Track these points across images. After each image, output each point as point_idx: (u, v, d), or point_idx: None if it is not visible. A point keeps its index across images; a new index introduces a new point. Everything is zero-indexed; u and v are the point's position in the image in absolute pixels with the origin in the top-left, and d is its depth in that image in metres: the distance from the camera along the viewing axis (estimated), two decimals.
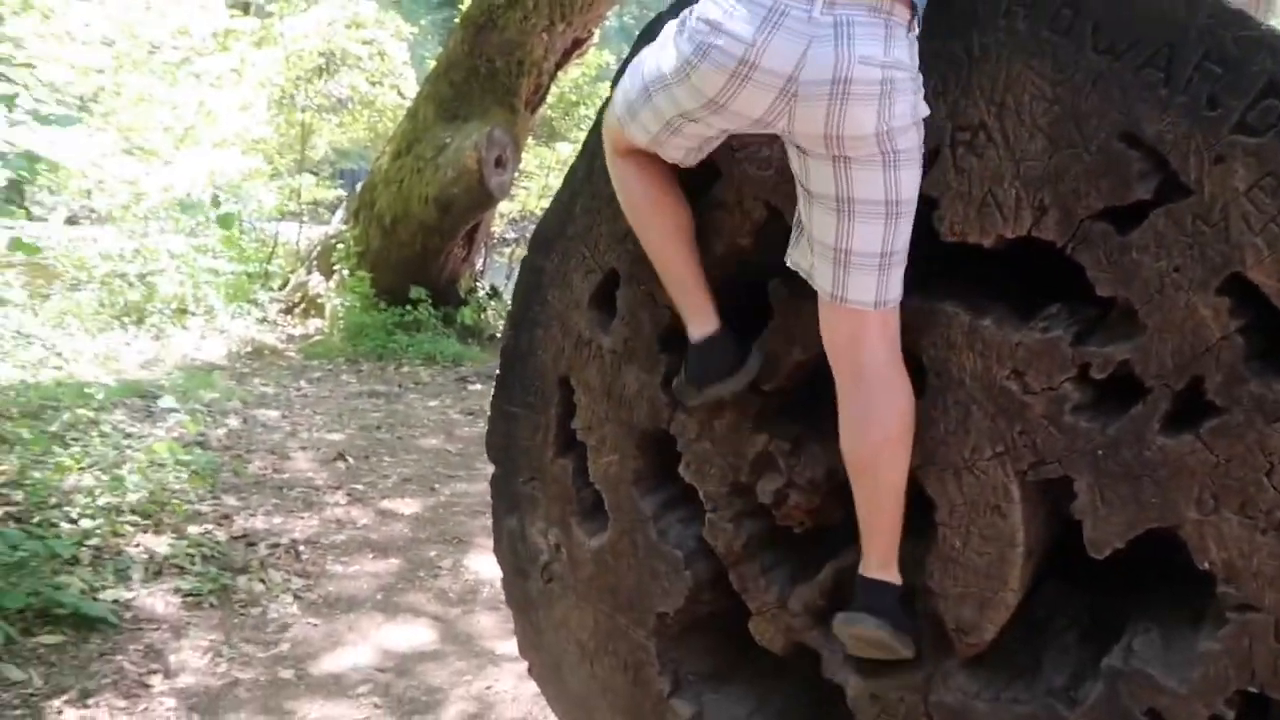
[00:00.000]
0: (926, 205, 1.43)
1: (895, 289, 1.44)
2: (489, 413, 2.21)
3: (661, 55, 1.46)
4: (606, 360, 1.85)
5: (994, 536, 1.43)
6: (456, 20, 8.11)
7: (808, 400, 1.64)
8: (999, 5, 1.34)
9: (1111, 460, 1.32)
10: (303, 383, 5.87)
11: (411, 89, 9.11)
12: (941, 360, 1.45)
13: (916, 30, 1.36)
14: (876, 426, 1.46)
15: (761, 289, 1.64)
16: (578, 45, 7.54)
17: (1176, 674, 1.30)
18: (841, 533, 1.71)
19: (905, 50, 1.33)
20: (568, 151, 9.70)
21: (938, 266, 1.50)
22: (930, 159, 1.42)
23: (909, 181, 1.39)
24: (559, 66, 7.54)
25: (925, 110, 1.37)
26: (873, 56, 1.30)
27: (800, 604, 1.69)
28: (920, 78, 1.36)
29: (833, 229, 1.41)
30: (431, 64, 11.64)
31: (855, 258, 1.41)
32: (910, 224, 1.42)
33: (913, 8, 1.33)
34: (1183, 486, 1.27)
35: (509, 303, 8.22)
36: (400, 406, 5.50)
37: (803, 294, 1.57)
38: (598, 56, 9.16)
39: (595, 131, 1.83)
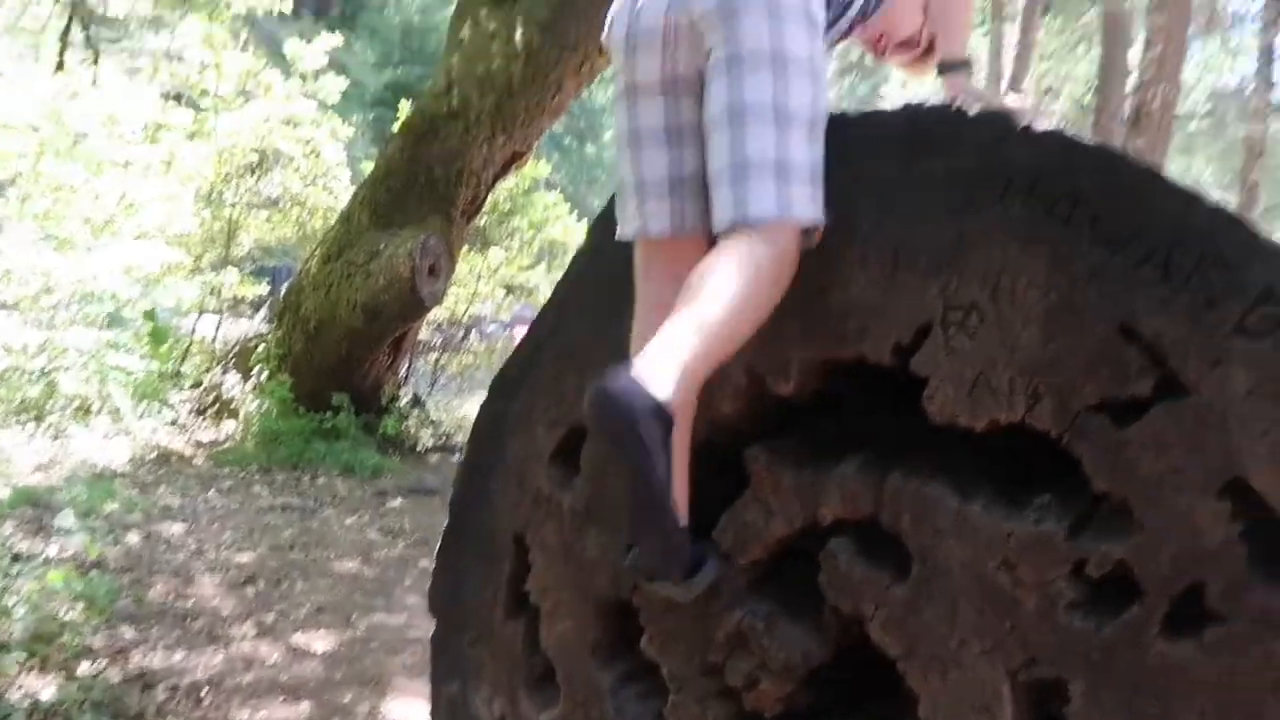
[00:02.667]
0: (916, 384, 1.39)
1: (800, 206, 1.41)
2: (419, 548, 2.07)
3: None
4: (567, 520, 1.75)
5: None
6: (393, 123, 8.12)
7: (784, 576, 1.56)
8: (996, 189, 1.33)
9: (1108, 664, 1.26)
10: (211, 493, 5.55)
11: (345, 189, 9.03)
12: (928, 547, 1.38)
13: None
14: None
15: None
16: (516, 158, 7.60)
17: None
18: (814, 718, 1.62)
19: None
20: (499, 258, 9.68)
21: (924, 445, 1.46)
22: (920, 336, 1.39)
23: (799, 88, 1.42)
24: (497, 178, 7.58)
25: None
26: None
27: None
28: None
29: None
30: (364, 164, 11.61)
31: (690, 183, 1.45)
32: (802, 135, 1.42)
33: None
34: (1183, 698, 1.21)
35: (431, 413, 7.99)
36: (315, 523, 5.23)
37: (785, 463, 1.51)
38: (533, 168, 9.24)
39: (566, 281, 1.77)
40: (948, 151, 1.37)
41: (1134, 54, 13.04)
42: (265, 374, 7.00)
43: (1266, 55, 11.87)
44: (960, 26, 1.66)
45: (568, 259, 9.02)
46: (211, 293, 8.00)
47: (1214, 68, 16.21)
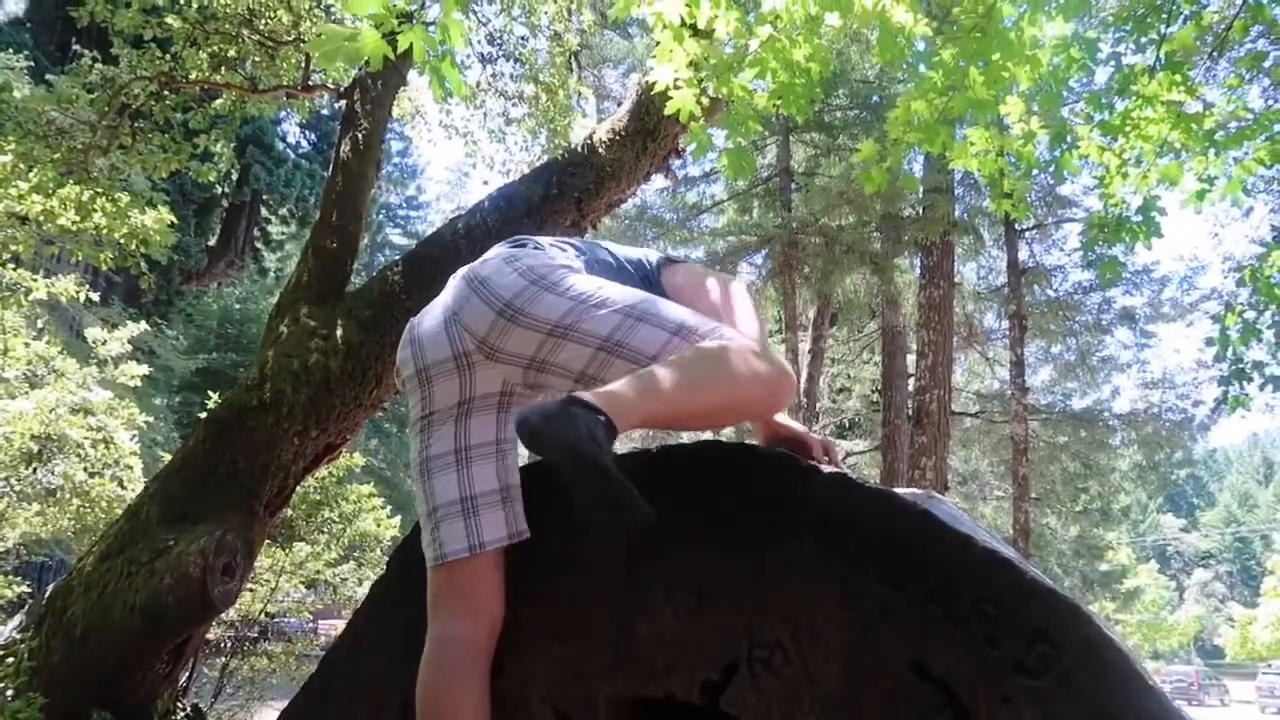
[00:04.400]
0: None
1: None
2: None
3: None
4: None
5: None
6: (199, 409, 7.84)
7: None
8: (787, 528, 1.40)
9: None
10: None
11: (136, 480, 8.46)
12: None
13: None
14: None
15: None
16: (330, 450, 7.39)
17: None
18: None
19: None
20: (305, 552, 9.15)
21: None
22: (728, 674, 1.37)
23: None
24: (307, 470, 7.32)
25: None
26: None
27: None
28: None
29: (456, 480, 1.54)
30: (162, 452, 11.02)
31: (481, 499, 1.52)
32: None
33: None
34: None
35: None
36: None
37: None
38: (347, 459, 9.04)
39: (363, 613, 1.67)
40: (742, 489, 1.43)
41: (911, 359, 14.64)
42: (11, 692, 6.07)
43: (1018, 366, 13.56)
44: None
45: (379, 553, 8.60)
46: None
47: (977, 373, 18.34)
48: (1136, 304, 15.77)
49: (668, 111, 4.29)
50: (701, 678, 1.39)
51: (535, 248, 1.67)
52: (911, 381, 14.21)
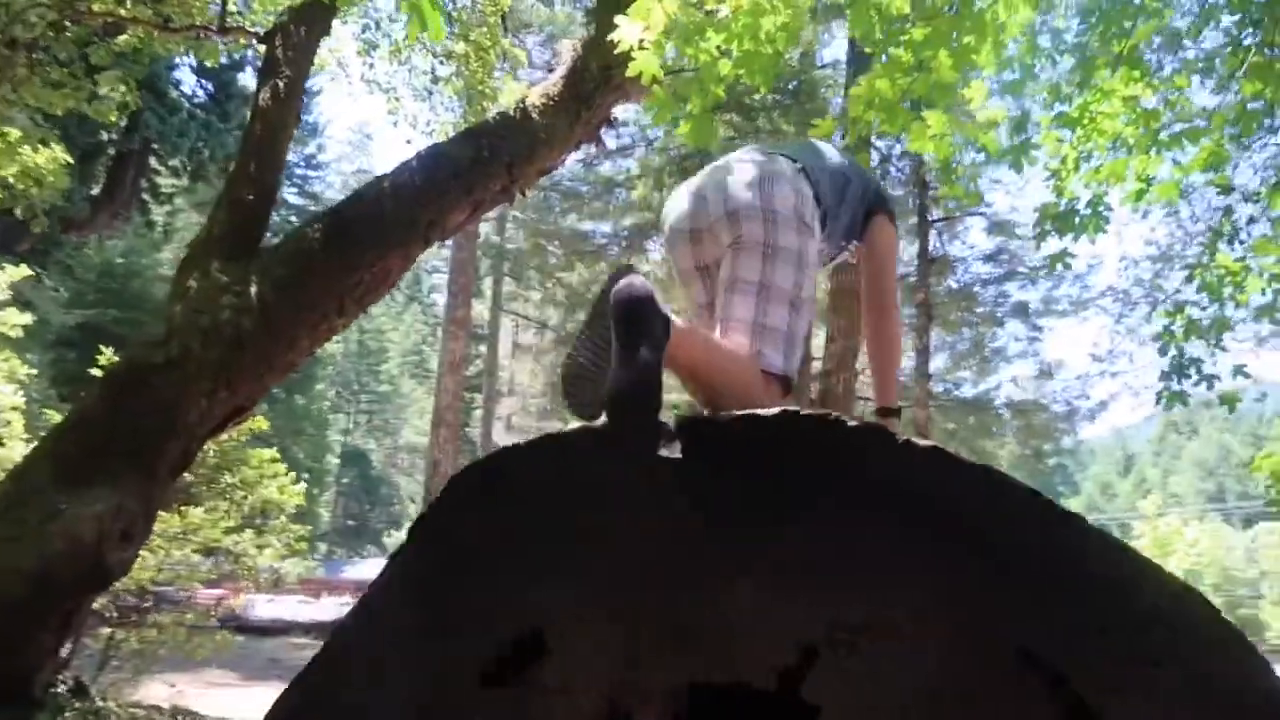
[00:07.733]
0: (807, 715, 1.26)
1: None
2: None
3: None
4: None
5: None
6: (76, 366, 7.31)
7: None
8: (876, 503, 1.30)
9: None
10: None
11: (17, 437, 7.86)
12: None
13: None
14: None
15: None
16: (238, 413, 7.01)
17: None
18: None
19: None
20: (199, 517, 8.68)
21: None
22: (808, 659, 1.27)
23: None
24: (213, 433, 6.93)
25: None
26: None
27: None
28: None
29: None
30: (44, 410, 10.28)
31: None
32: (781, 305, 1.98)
33: None
34: None
35: (97, 701, 6.64)
36: None
37: None
38: (252, 422, 8.61)
39: (379, 585, 1.51)
40: (828, 461, 1.33)
41: (818, 345, 14.84)
42: None
43: (923, 353, 13.95)
44: (890, 380, 2.20)
45: (282, 521, 8.18)
46: None
47: None
48: (1032, 298, 16.41)
49: (630, 73, 4.14)
50: (778, 664, 1.28)
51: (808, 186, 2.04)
52: (817, 364, 14.40)
